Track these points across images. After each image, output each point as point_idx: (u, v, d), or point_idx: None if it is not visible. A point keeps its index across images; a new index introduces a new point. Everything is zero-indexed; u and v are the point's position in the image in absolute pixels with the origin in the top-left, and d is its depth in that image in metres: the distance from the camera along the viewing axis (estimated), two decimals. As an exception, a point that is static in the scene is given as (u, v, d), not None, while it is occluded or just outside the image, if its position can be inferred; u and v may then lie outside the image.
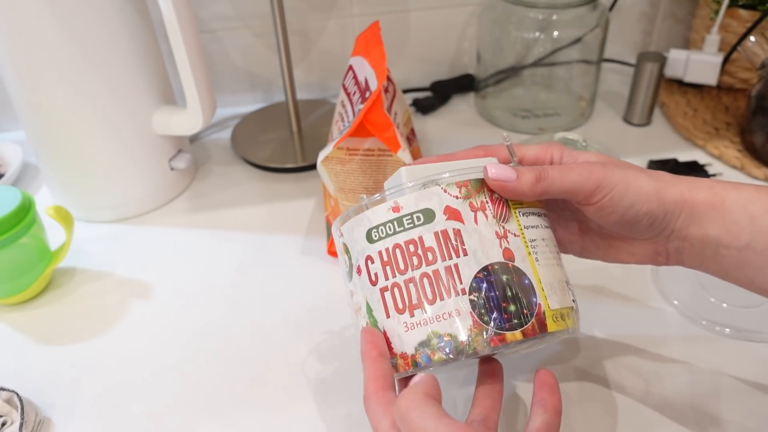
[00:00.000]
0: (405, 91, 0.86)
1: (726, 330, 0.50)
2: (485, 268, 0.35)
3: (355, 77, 0.59)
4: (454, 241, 0.35)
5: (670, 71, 0.79)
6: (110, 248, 0.63)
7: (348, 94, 0.60)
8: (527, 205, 0.38)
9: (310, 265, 0.59)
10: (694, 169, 0.69)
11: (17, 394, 0.45)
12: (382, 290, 0.36)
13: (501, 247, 0.35)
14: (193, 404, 0.47)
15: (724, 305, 0.52)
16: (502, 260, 0.35)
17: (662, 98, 0.82)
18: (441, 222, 0.35)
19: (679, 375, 0.47)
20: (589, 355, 0.48)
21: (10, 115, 0.81)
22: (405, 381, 0.36)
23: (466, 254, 0.35)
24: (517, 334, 0.34)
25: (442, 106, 0.85)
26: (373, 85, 0.54)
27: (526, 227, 0.37)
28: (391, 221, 0.36)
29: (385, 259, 0.36)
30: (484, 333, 0.34)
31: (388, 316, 0.36)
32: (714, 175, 0.69)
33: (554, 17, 0.73)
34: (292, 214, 0.66)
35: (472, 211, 0.36)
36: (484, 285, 0.34)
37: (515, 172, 0.36)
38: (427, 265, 0.35)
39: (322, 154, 0.53)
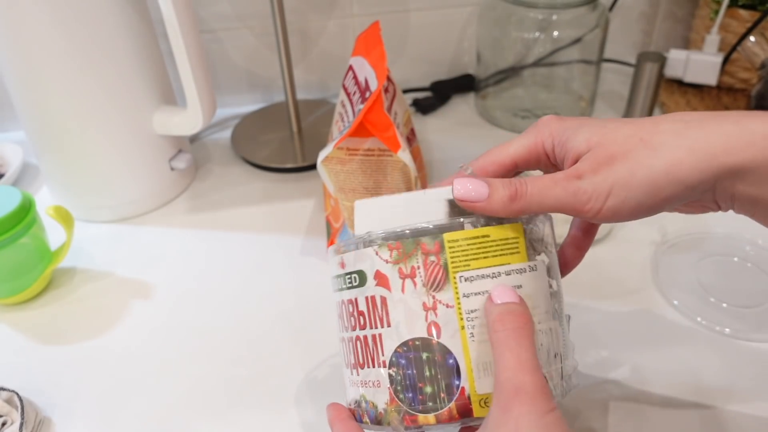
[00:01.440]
0: (405, 91, 0.86)
1: (726, 330, 0.50)
2: (405, 343, 0.32)
3: (355, 77, 0.59)
4: (380, 310, 0.33)
5: (670, 71, 0.79)
6: (110, 248, 0.63)
7: (348, 94, 0.60)
8: (484, 264, 0.32)
9: (310, 265, 0.59)
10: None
11: (17, 394, 0.45)
12: (340, 340, 0.37)
13: (427, 320, 0.32)
14: (193, 404, 0.47)
15: (724, 305, 0.52)
16: (425, 336, 0.32)
17: (662, 98, 0.82)
18: (371, 287, 0.33)
19: (679, 375, 0.47)
20: (589, 354, 0.48)
21: (10, 115, 0.81)
22: None
23: (389, 325, 0.32)
24: (430, 417, 0.32)
25: (442, 106, 0.85)
26: (373, 85, 0.54)
27: (466, 295, 0.32)
28: (341, 276, 0.35)
29: (338, 311, 0.36)
30: (397, 410, 0.32)
31: (344, 366, 0.36)
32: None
33: (554, 17, 0.73)
34: (292, 214, 0.66)
35: (400, 278, 0.32)
36: (403, 361, 0.32)
37: (487, 188, 0.32)
38: (360, 329, 0.34)
39: (322, 154, 0.53)
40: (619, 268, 0.56)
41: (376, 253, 0.33)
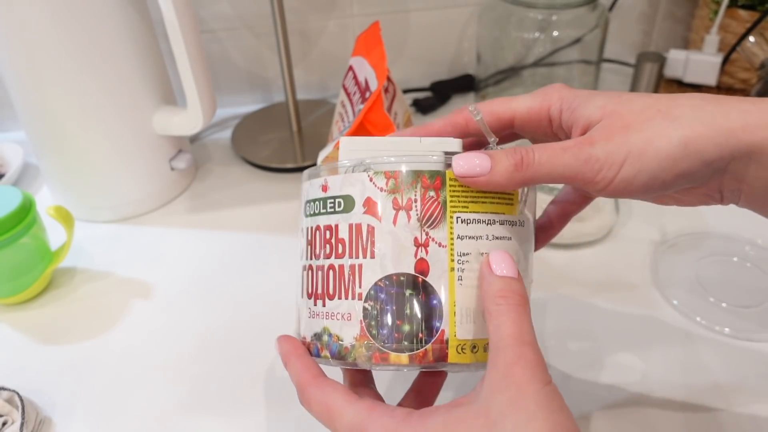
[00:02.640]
0: (405, 91, 0.86)
1: (726, 330, 0.50)
2: (389, 277, 0.31)
3: (355, 77, 0.59)
4: (364, 239, 0.31)
5: (670, 71, 0.79)
6: (110, 248, 0.63)
7: (348, 94, 0.60)
8: (481, 209, 0.31)
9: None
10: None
11: (18, 394, 0.45)
12: (302, 267, 0.35)
13: (416, 256, 0.31)
14: (193, 404, 0.47)
15: (724, 305, 0.52)
16: (412, 272, 0.31)
17: (662, 98, 0.82)
18: (358, 214, 0.31)
19: (679, 375, 0.47)
20: (588, 354, 0.49)
21: (10, 115, 0.81)
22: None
23: (373, 257, 0.31)
24: (403, 357, 0.30)
25: (442, 106, 0.85)
26: (373, 85, 0.54)
27: (460, 237, 0.31)
28: (319, 200, 0.33)
29: (308, 237, 0.34)
30: (367, 346, 0.31)
31: (301, 296, 0.35)
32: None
33: (554, 17, 0.73)
34: (292, 214, 0.66)
35: (393, 208, 0.31)
36: (383, 295, 0.31)
37: (489, 160, 0.30)
38: (336, 258, 0.32)
39: (322, 154, 0.53)
40: (619, 268, 0.57)
41: (371, 179, 0.31)
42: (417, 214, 0.31)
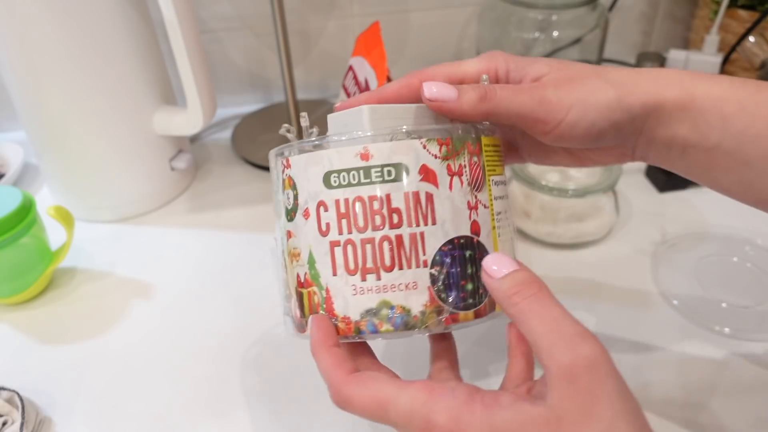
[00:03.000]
0: (405, 92, 0.86)
1: (726, 330, 0.50)
2: (451, 241, 0.32)
3: (355, 77, 0.59)
4: (424, 207, 0.32)
5: (670, 71, 0.79)
6: (110, 248, 0.63)
7: (348, 94, 0.60)
8: (501, 172, 0.35)
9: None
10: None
11: (18, 394, 0.45)
12: (333, 244, 0.32)
13: (470, 219, 0.32)
14: (193, 404, 0.47)
15: (724, 305, 0.52)
16: (469, 234, 0.32)
17: (662, 98, 0.82)
18: (414, 182, 0.31)
19: (679, 375, 0.47)
20: (589, 354, 0.49)
21: (10, 115, 0.81)
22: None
23: (434, 223, 0.32)
24: (470, 314, 0.32)
25: (442, 107, 0.85)
26: (373, 85, 0.54)
27: (496, 198, 0.34)
28: (357, 169, 0.32)
29: (342, 210, 0.32)
30: (438, 311, 0.32)
31: (335, 274, 0.32)
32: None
33: (554, 17, 0.73)
34: (292, 214, 0.66)
35: (448, 174, 0.32)
36: (448, 259, 0.32)
37: (455, 90, 0.33)
38: (390, 228, 0.31)
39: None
40: (619, 268, 0.57)
41: (424, 147, 0.32)
42: (467, 179, 0.33)
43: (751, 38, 0.71)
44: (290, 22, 0.79)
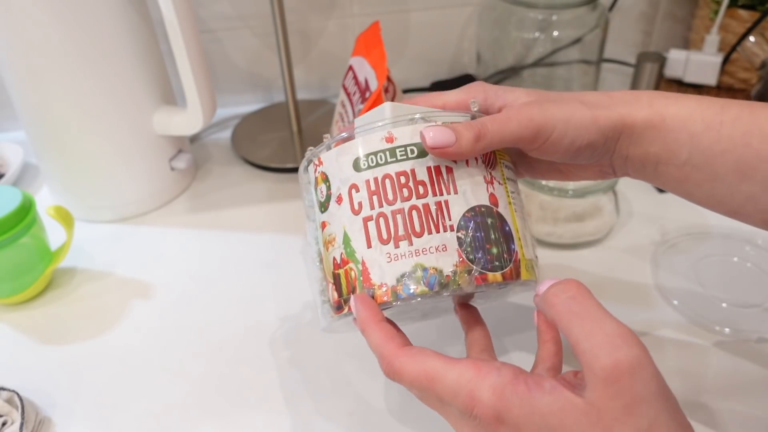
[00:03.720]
0: (405, 91, 0.86)
1: (726, 330, 0.50)
2: (473, 209, 0.35)
3: (355, 77, 0.59)
4: (445, 178, 0.35)
5: (670, 71, 0.79)
6: (110, 248, 0.63)
7: (348, 94, 0.60)
8: (508, 159, 0.39)
9: (311, 265, 0.59)
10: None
11: (17, 394, 0.45)
12: (366, 219, 0.36)
13: (488, 191, 0.36)
14: (193, 404, 0.47)
15: (724, 305, 0.52)
16: (488, 204, 0.36)
17: (662, 98, 0.82)
18: (435, 157, 0.35)
19: (679, 374, 0.47)
20: (589, 354, 0.48)
21: (10, 115, 0.81)
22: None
23: (456, 192, 0.35)
24: (498, 275, 0.35)
25: (442, 106, 0.85)
26: (373, 85, 0.54)
27: (508, 179, 0.38)
28: (383, 151, 0.36)
29: (373, 188, 0.36)
30: (469, 271, 0.34)
31: (369, 246, 0.35)
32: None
33: (554, 17, 0.73)
34: (292, 214, 0.66)
35: None
36: (471, 224, 0.35)
37: (453, 133, 0.35)
38: (417, 198, 0.35)
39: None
40: (619, 268, 0.57)
41: None
42: (481, 157, 0.36)
43: (752, 38, 0.71)
44: (290, 22, 0.79)
